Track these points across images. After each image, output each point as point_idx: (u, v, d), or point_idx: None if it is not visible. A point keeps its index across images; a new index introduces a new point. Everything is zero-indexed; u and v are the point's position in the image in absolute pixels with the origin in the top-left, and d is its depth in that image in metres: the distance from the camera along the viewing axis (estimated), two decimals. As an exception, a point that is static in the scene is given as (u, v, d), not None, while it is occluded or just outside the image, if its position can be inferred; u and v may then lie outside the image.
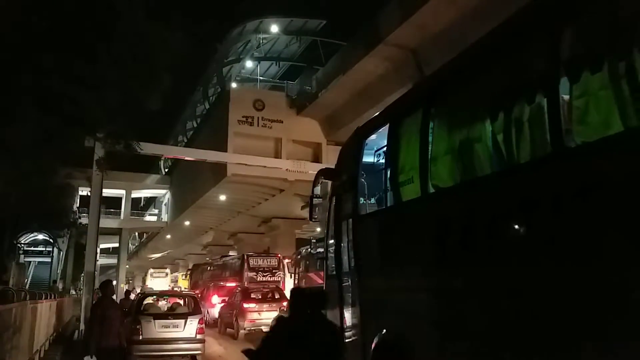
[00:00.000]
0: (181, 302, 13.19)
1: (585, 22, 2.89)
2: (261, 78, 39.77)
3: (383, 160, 5.25)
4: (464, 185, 3.89)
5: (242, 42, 38.15)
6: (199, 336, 11.34)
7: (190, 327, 11.29)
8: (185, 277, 42.33)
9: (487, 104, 3.76)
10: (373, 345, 4.87)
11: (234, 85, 36.64)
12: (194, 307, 12.31)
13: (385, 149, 5.16)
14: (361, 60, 23.41)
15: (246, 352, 3.88)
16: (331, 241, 6.25)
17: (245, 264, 26.06)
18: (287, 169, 29.27)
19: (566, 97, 2.89)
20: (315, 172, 7.02)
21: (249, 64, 40.15)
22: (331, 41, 35.07)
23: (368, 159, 5.68)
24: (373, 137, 5.55)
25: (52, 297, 15.32)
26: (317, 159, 30.13)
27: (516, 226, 3.27)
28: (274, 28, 36.90)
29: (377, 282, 5.09)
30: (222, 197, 34.77)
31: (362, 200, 5.61)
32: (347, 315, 5.62)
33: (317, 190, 6.54)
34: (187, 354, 11.42)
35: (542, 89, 3.06)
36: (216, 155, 29.42)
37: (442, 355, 4.00)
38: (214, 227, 45.40)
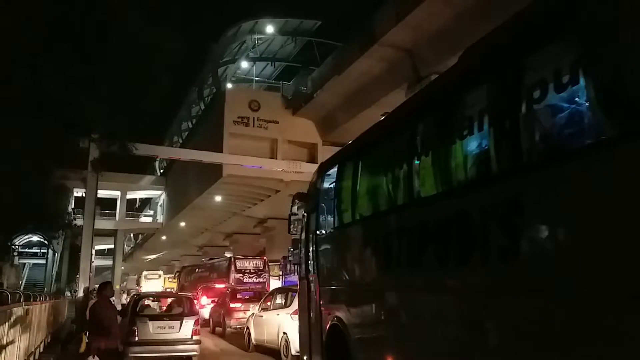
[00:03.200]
0: (177, 302, 13.12)
1: (425, 127, 4.87)
2: (257, 78, 39.73)
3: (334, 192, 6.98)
4: (373, 215, 5.70)
5: (237, 42, 38.10)
6: (194, 337, 11.27)
7: (186, 328, 11.22)
8: (174, 278, 42.82)
9: (383, 165, 5.69)
10: (327, 328, 6.54)
11: (229, 85, 36.64)
12: (190, 308, 12.24)
13: (334, 184, 6.89)
14: (356, 60, 23.44)
15: None
16: (303, 251, 7.82)
17: (232, 266, 27.12)
18: (282, 170, 29.28)
19: (417, 167, 4.74)
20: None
21: (245, 64, 40.11)
22: (326, 42, 35.05)
23: (328, 189, 7.22)
24: (332, 171, 7.05)
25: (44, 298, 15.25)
26: (312, 159, 30.08)
27: (397, 244, 5.02)
28: (269, 29, 36.87)
29: (329, 283, 6.82)
30: (218, 198, 34.73)
31: (321, 220, 7.28)
32: (313, 307, 7.24)
33: (295, 209, 8.09)
34: (183, 355, 11.37)
35: (406, 162, 4.93)
36: (212, 156, 29.39)
37: (367, 334, 5.75)
38: (209, 228, 45.36)
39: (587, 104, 2.95)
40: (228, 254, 39.84)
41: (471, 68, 4.19)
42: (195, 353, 11.32)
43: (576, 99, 3.00)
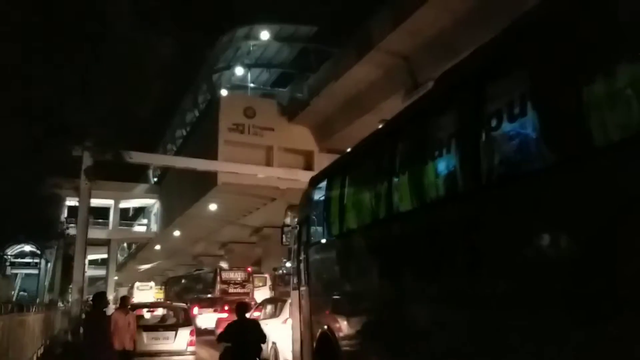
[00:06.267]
0: (171, 313, 12.91)
1: (402, 147, 5.30)
2: (252, 85, 39.57)
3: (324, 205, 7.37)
4: (359, 228, 6.04)
5: (232, 48, 37.94)
6: (189, 348, 11.10)
7: (180, 339, 11.05)
8: (160, 289, 43.49)
9: (365, 182, 6.14)
10: (317, 336, 6.95)
11: (224, 92, 36.45)
12: (185, 318, 12.04)
13: (324, 197, 7.29)
14: (353, 67, 23.30)
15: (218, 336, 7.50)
16: (296, 262, 8.18)
17: (218, 277, 28.59)
18: (278, 177, 29.14)
19: (395, 185, 5.14)
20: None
21: (240, 71, 39.91)
22: (322, 48, 34.97)
23: (318, 202, 7.56)
24: (322, 185, 7.41)
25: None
26: (309, 166, 29.89)
27: (378, 253, 5.50)
28: (265, 35, 36.71)
29: (319, 293, 7.17)
30: (213, 207, 34.49)
31: (311, 232, 7.61)
32: (304, 316, 7.59)
33: (287, 221, 8.53)
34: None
35: (386, 180, 5.34)
36: (206, 164, 29.22)
37: (353, 342, 6.08)
38: (204, 237, 45.01)
39: (537, 131, 3.33)
40: (223, 264, 39.75)
41: (441, 94, 4.72)
42: (190, 365, 11.10)
43: (528, 127, 3.41)
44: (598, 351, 2.67)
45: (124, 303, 9.82)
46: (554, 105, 3.14)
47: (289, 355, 9.92)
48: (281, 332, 10.78)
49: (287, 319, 10.79)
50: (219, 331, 18.10)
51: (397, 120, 5.64)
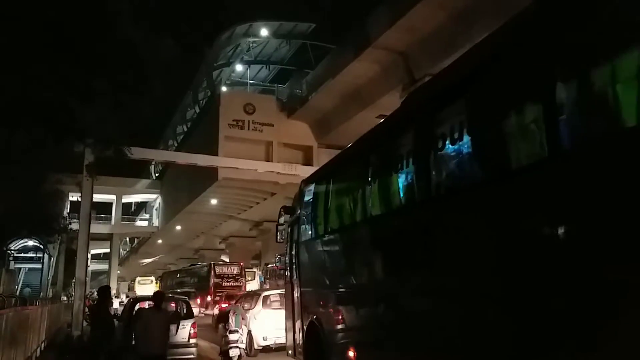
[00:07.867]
0: (174, 306, 13.09)
1: (373, 159, 5.82)
2: (251, 81, 39.72)
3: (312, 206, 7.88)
4: (341, 228, 6.54)
5: (231, 45, 38.06)
6: (192, 340, 11.24)
7: (183, 332, 11.20)
8: (156, 283, 43.91)
9: (344, 188, 6.66)
10: (306, 326, 7.49)
11: (224, 89, 36.60)
12: (187, 310, 12.23)
13: (312, 199, 7.80)
14: (350, 63, 23.53)
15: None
16: (288, 258, 8.81)
17: (212, 272, 29.63)
18: (278, 172, 29.35)
19: (368, 192, 5.61)
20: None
21: (239, 67, 40.07)
22: (321, 44, 35.11)
23: (307, 203, 8.02)
24: (311, 188, 7.89)
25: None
26: (308, 161, 30.17)
27: (355, 251, 6.09)
28: (264, 32, 36.85)
29: (307, 286, 7.74)
30: (213, 201, 34.73)
31: (301, 230, 8.11)
32: (296, 308, 8.11)
33: (282, 220, 9.02)
34: (181, 358, 11.34)
35: (360, 188, 5.85)
36: (207, 159, 29.43)
37: (335, 329, 6.59)
38: (205, 231, 45.30)
39: (477, 150, 3.86)
40: (224, 257, 40.03)
41: (404, 114, 5.33)
42: (192, 356, 11.31)
43: (471, 146, 3.90)
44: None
45: (159, 298, 8.11)
46: (490, 130, 3.65)
47: (262, 342, 12.21)
48: (255, 321, 12.49)
49: (260, 310, 12.70)
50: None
51: (368, 136, 6.26)
